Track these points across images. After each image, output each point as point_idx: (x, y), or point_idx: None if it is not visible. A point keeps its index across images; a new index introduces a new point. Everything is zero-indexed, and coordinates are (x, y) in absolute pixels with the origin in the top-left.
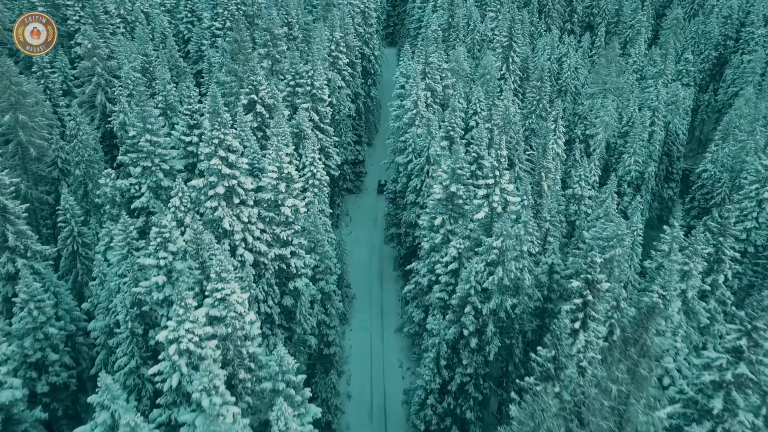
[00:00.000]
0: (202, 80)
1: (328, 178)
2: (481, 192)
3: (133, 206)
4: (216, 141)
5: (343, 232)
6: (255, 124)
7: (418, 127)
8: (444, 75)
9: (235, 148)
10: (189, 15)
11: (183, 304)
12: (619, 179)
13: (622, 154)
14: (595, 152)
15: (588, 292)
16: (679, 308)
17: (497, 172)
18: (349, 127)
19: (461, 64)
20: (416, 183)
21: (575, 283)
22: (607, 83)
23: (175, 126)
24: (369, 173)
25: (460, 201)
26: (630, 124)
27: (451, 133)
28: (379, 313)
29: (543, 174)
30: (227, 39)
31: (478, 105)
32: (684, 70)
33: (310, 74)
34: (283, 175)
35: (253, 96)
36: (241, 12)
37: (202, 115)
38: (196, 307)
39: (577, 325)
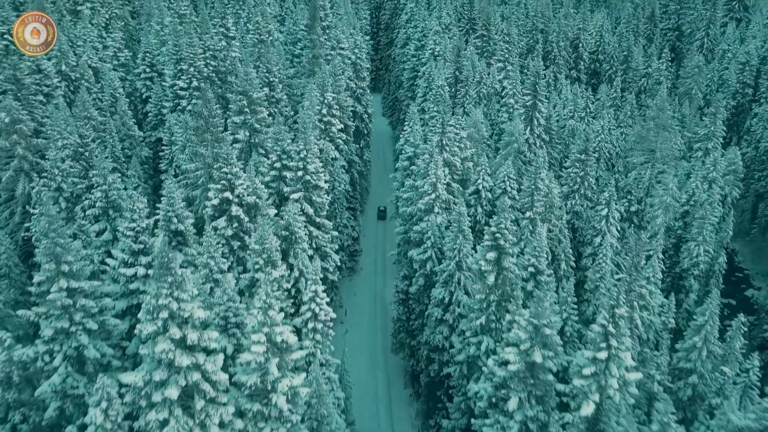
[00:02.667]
0: (161, 152)
1: (333, 314)
2: (588, 369)
3: (38, 392)
4: (165, 314)
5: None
6: (230, 232)
7: (438, 215)
8: (463, 145)
9: (196, 320)
10: (148, 70)
11: None
12: (682, 273)
13: (687, 242)
14: (656, 243)
15: None
16: None
17: (614, 341)
18: (344, 205)
19: (480, 129)
20: (443, 294)
21: None
22: (655, 150)
23: (117, 244)
24: (364, 249)
25: (550, 376)
26: (692, 202)
27: (501, 242)
28: None
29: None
30: (191, 110)
31: (507, 183)
32: (704, 123)
33: (301, 155)
34: (276, 343)
35: (227, 194)
36: (211, 68)
37: (155, 229)
38: None
39: None
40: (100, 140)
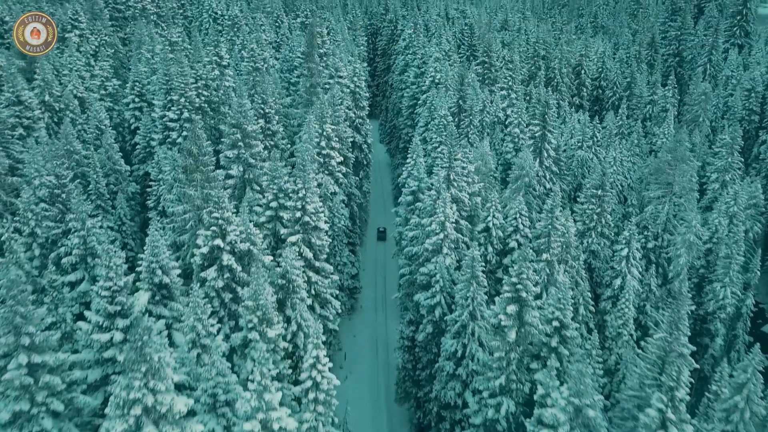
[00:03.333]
0: (148, 188)
1: (336, 381)
2: None
3: None
4: (138, 410)
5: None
6: (221, 283)
7: (447, 256)
8: (471, 179)
9: (177, 413)
10: (137, 100)
11: None
12: (707, 316)
13: (712, 282)
14: (680, 285)
15: None
16: None
17: (674, 430)
18: (344, 243)
19: (488, 162)
20: (455, 346)
21: None
22: (673, 184)
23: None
24: (363, 280)
25: None
26: (714, 240)
27: (522, 294)
28: None
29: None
30: (180, 146)
31: (519, 220)
32: (721, 154)
33: (299, 194)
34: (272, 431)
35: (218, 241)
36: (203, 98)
37: (136, 281)
38: None
39: None
40: (82, 176)
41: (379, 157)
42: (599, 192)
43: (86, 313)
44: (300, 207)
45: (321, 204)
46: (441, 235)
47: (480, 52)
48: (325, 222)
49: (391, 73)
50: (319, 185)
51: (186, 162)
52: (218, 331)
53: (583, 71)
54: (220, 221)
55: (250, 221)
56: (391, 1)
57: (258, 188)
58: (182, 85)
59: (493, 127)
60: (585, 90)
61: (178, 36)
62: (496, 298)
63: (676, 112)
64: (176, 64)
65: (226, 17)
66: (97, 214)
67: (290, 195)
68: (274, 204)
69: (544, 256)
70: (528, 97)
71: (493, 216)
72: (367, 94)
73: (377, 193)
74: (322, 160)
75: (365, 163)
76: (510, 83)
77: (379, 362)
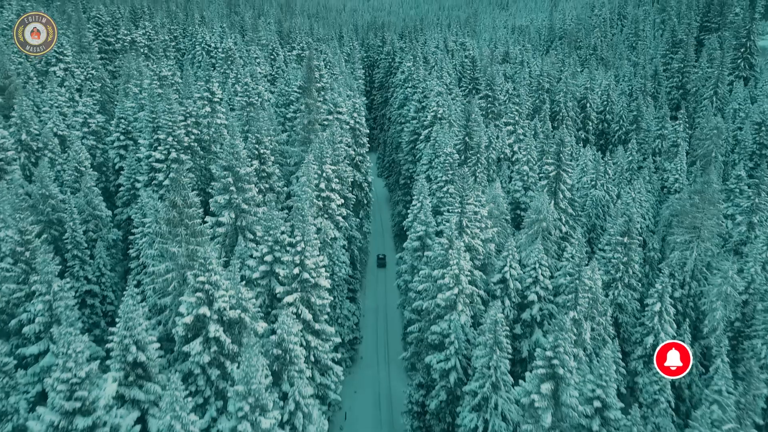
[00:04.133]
0: (131, 235)
1: None
2: None
3: None
4: None
5: None
6: (207, 358)
7: (462, 313)
8: (484, 224)
9: None
10: (122, 138)
11: None
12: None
13: (750, 338)
14: (717, 342)
15: None
16: None
17: None
18: (345, 293)
19: (500, 204)
20: (475, 422)
21: None
22: (700, 228)
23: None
24: (365, 335)
25: None
26: (751, 290)
27: (559, 370)
28: None
29: None
30: (163, 196)
31: (539, 270)
32: (737, 190)
33: (298, 248)
34: None
35: (204, 309)
36: (193, 137)
37: (106, 359)
38: None
39: None
40: (59, 222)
41: (378, 191)
42: (625, 239)
43: (39, 410)
44: (298, 262)
45: (321, 258)
46: (455, 290)
47: (483, 85)
48: (326, 276)
49: (389, 105)
50: (318, 231)
51: (169, 215)
52: (204, 404)
53: (588, 104)
54: (207, 286)
55: (242, 279)
56: (387, 32)
57: (251, 236)
58: (170, 123)
59: (500, 163)
60: (590, 124)
61: (168, 70)
62: (527, 374)
63: (687, 147)
64: (164, 101)
65: (220, 50)
66: (74, 266)
67: (287, 249)
68: (269, 258)
69: (571, 314)
70: (534, 132)
71: (510, 266)
72: (367, 130)
73: (376, 225)
74: (321, 203)
75: (366, 202)
76: (516, 118)
77: (382, 423)
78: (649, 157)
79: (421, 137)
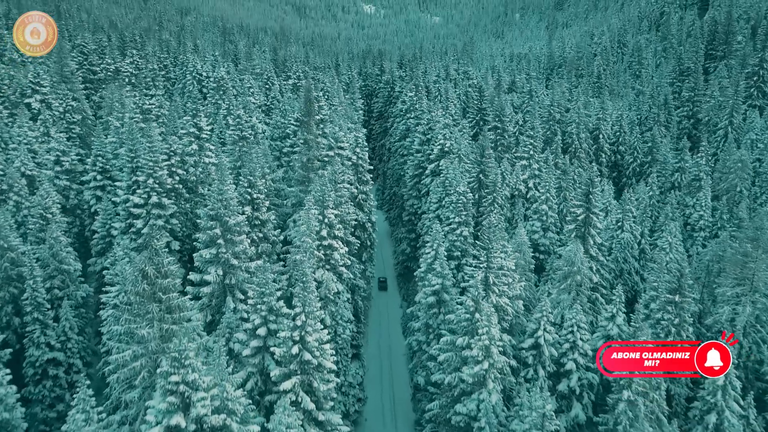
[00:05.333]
0: (104, 290)
1: None
2: None
3: None
4: None
5: None
6: None
7: (493, 392)
8: (511, 279)
9: None
10: (99, 177)
11: None
12: None
13: None
14: None
15: None
16: None
17: None
18: (348, 357)
19: (525, 253)
20: None
21: None
22: (753, 280)
23: None
24: (369, 395)
25: None
26: None
27: None
28: None
29: None
30: (134, 266)
31: (577, 334)
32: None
33: (298, 321)
34: None
35: (179, 419)
36: (177, 178)
37: None
38: None
39: None
40: (18, 278)
41: (378, 224)
42: (676, 298)
43: None
44: (298, 339)
45: (326, 332)
46: (485, 364)
47: (491, 116)
48: (332, 356)
49: (389, 136)
50: (319, 285)
51: (139, 288)
52: None
53: (601, 135)
54: (182, 387)
55: (230, 353)
56: (386, 61)
57: (241, 296)
58: (151, 163)
59: (513, 201)
60: (604, 156)
61: (154, 102)
62: None
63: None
64: (145, 138)
65: (212, 79)
66: (34, 331)
67: (284, 322)
68: (262, 331)
69: (625, 394)
70: (547, 166)
71: (545, 330)
72: (370, 166)
73: (377, 261)
74: (323, 253)
75: (369, 243)
76: (531, 152)
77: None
78: (669, 191)
79: (427, 171)
